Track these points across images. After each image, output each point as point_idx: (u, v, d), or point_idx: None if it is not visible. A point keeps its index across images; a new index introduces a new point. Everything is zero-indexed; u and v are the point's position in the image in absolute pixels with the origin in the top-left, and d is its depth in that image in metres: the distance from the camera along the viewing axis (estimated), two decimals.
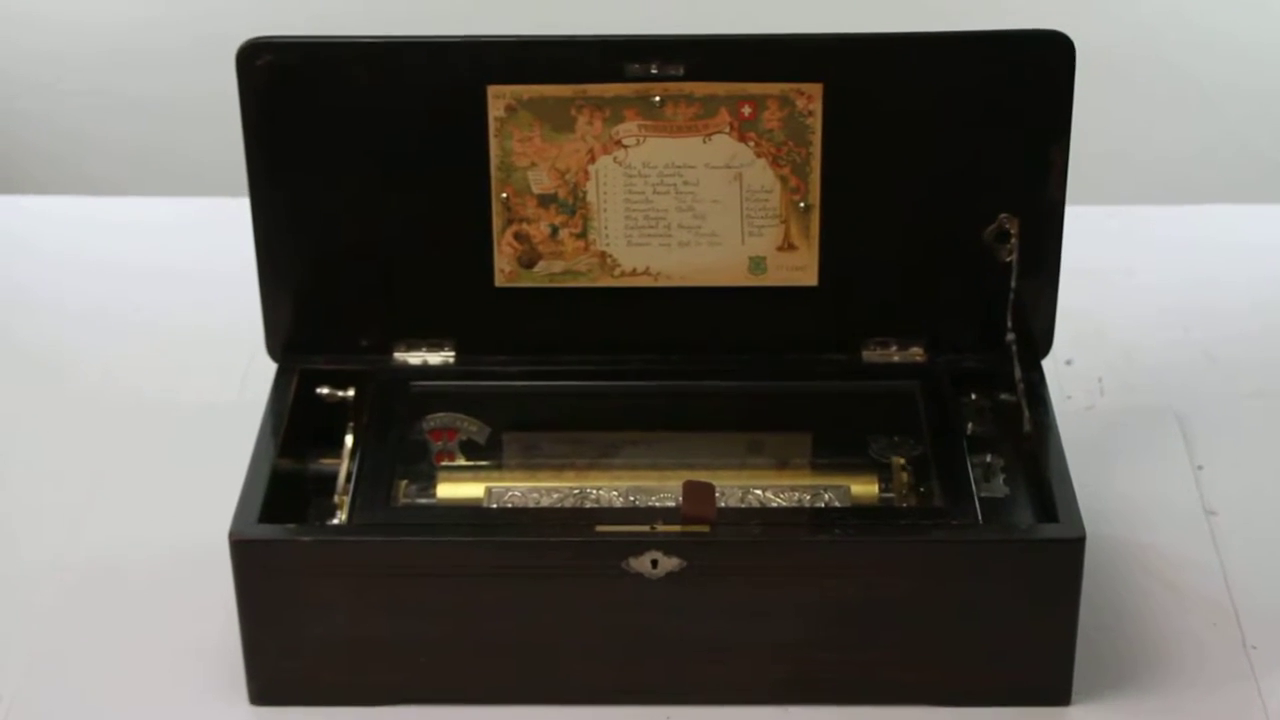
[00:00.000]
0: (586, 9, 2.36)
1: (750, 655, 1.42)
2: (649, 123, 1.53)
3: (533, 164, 1.55)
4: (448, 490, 1.55)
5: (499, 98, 1.52)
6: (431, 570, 1.40)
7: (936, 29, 1.52)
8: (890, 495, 1.54)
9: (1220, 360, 1.84)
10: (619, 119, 1.53)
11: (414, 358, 1.61)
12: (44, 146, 2.66)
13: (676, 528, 1.41)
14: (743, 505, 1.52)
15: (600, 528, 1.42)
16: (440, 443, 1.60)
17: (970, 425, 1.57)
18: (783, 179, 1.55)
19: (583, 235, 1.57)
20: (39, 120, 2.65)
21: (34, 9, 2.58)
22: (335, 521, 1.50)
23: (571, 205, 1.56)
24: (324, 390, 1.59)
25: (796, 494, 1.54)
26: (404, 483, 1.54)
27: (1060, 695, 1.44)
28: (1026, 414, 1.51)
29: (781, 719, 1.44)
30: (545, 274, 1.58)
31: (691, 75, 1.52)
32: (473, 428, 1.61)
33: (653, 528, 1.41)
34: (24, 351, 1.90)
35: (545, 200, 1.56)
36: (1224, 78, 2.56)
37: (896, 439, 1.57)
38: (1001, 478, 1.53)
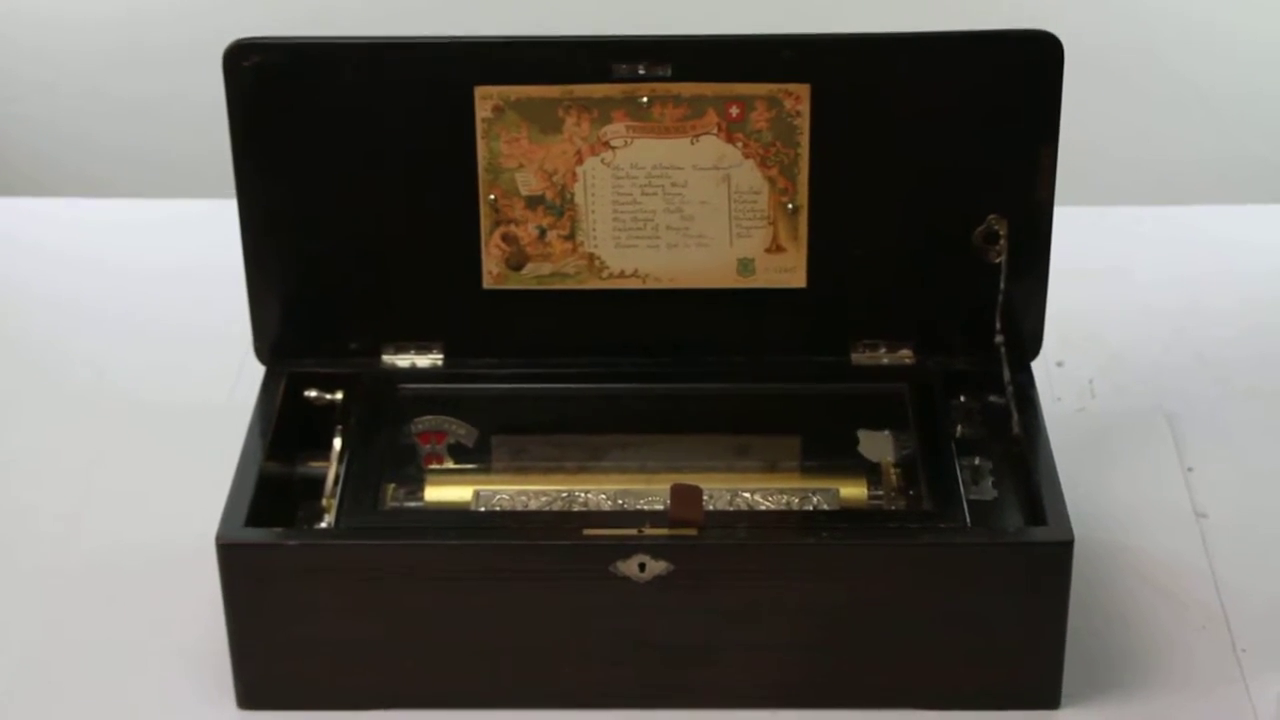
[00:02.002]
0: (574, 9, 2.36)
1: (738, 659, 1.42)
2: (636, 124, 1.53)
3: (520, 165, 1.54)
4: (436, 493, 1.55)
5: (486, 99, 1.52)
6: (419, 574, 1.40)
7: (925, 29, 1.52)
8: (879, 496, 1.53)
9: (1211, 361, 1.84)
10: (606, 120, 1.53)
11: (402, 360, 1.61)
12: (35, 148, 2.66)
13: (664, 531, 1.41)
14: (731, 508, 1.52)
15: (588, 531, 1.42)
16: (428, 446, 1.60)
17: (959, 427, 1.57)
18: (771, 180, 1.55)
19: (571, 237, 1.57)
20: (30, 122, 2.64)
21: (25, 9, 2.58)
22: (323, 525, 1.49)
23: (559, 207, 1.56)
24: (312, 393, 1.59)
25: (785, 497, 1.53)
26: (392, 486, 1.54)
27: (1049, 698, 1.44)
28: (1015, 416, 1.51)
29: None
30: (533, 276, 1.58)
31: (679, 76, 1.51)
32: (461, 430, 1.60)
33: (640, 531, 1.40)
34: (15, 352, 1.89)
35: (533, 202, 1.56)
36: (1215, 77, 2.55)
37: (886, 432, 1.57)
38: (990, 480, 1.52)
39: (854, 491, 1.54)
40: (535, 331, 1.60)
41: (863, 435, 1.58)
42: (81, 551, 1.61)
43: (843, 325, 1.60)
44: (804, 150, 1.54)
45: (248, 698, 1.44)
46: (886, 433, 1.58)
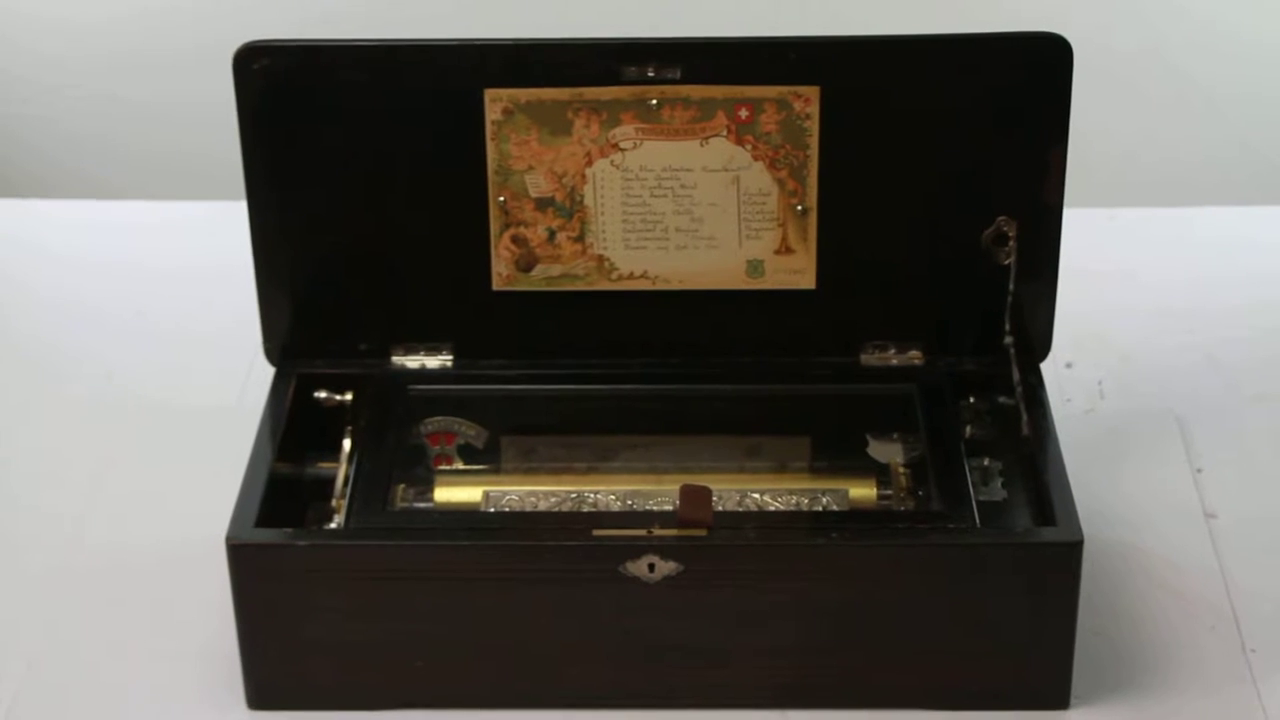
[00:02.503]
0: (583, 12, 2.36)
1: (748, 659, 1.42)
2: (646, 126, 1.53)
3: (530, 167, 1.55)
4: (445, 494, 1.55)
5: (496, 101, 1.52)
6: (429, 574, 1.40)
7: (934, 31, 1.52)
8: (888, 497, 1.53)
9: (1220, 363, 1.84)
10: (616, 122, 1.53)
11: (412, 361, 1.61)
12: (45, 150, 2.66)
13: (674, 531, 1.41)
14: (740, 509, 1.52)
15: (598, 532, 1.42)
16: (438, 446, 1.60)
17: (968, 429, 1.57)
18: (780, 182, 1.55)
19: (580, 239, 1.57)
20: (40, 124, 2.65)
21: (35, 12, 2.58)
22: (332, 526, 1.49)
23: (569, 209, 1.56)
24: (322, 394, 1.59)
25: (794, 497, 1.53)
26: (401, 487, 1.54)
27: (1058, 699, 1.44)
28: (1024, 417, 1.51)
29: None
30: (543, 277, 1.58)
31: (688, 78, 1.52)
32: (470, 431, 1.60)
33: (650, 532, 1.41)
34: (25, 353, 1.90)
35: (543, 204, 1.56)
36: (1224, 79, 2.55)
37: (895, 436, 1.57)
38: (999, 481, 1.52)
39: (863, 492, 1.54)
40: (544, 333, 1.60)
41: (871, 442, 1.58)
42: (91, 552, 1.61)
43: (852, 327, 1.60)
44: (813, 152, 1.54)
45: (258, 698, 1.45)
46: (895, 436, 1.58)
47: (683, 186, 1.55)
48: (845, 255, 1.57)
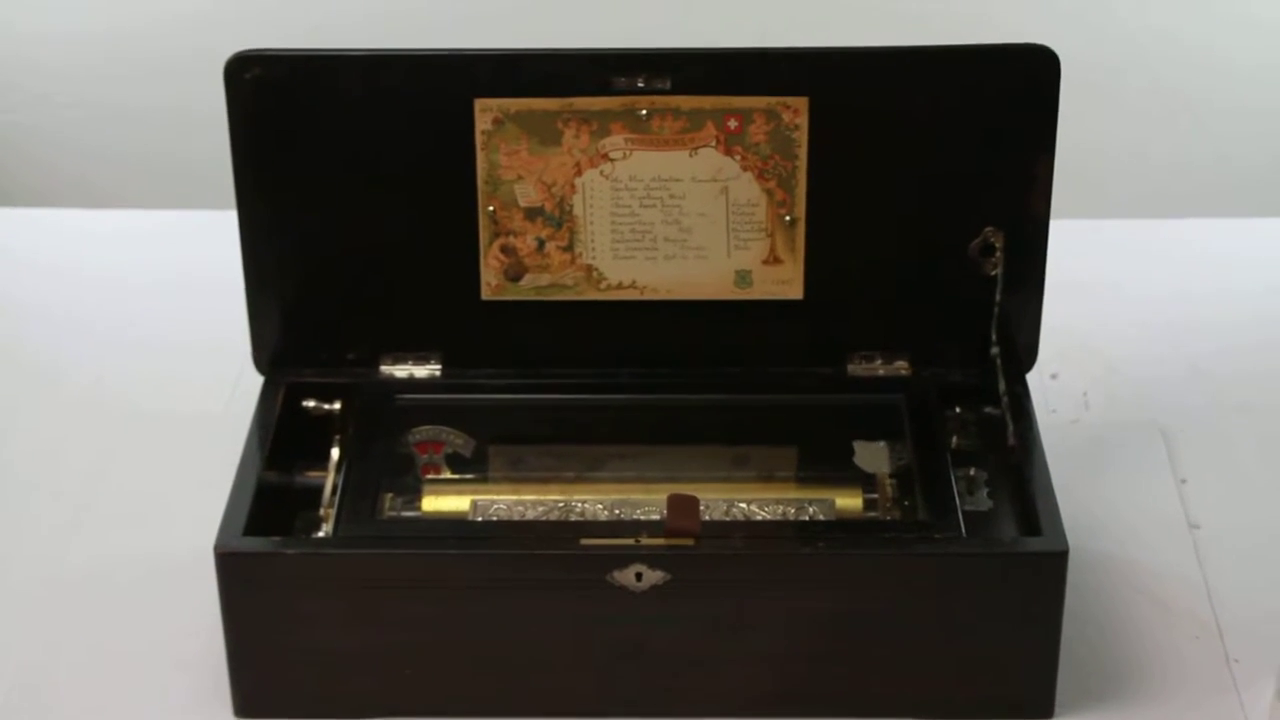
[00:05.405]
0: (573, 22, 2.37)
1: (734, 668, 1.43)
2: (635, 136, 1.54)
3: (519, 177, 1.55)
4: (433, 503, 1.55)
5: (486, 111, 1.53)
6: (417, 583, 1.40)
7: (923, 43, 1.52)
8: (874, 500, 1.54)
9: (1205, 374, 1.85)
10: (605, 132, 1.53)
11: (400, 370, 1.61)
12: (35, 158, 2.66)
13: (661, 541, 1.41)
14: (727, 518, 1.53)
15: (585, 541, 1.42)
16: (426, 455, 1.60)
17: (954, 439, 1.58)
18: (769, 192, 1.56)
19: (569, 248, 1.57)
20: (30, 132, 2.65)
21: (26, 21, 2.58)
22: (321, 534, 1.50)
23: (558, 218, 1.57)
24: (310, 403, 1.59)
25: (781, 507, 1.54)
26: (389, 496, 1.54)
27: (1043, 709, 1.44)
28: (1011, 427, 1.52)
29: None
30: (532, 287, 1.59)
31: (678, 89, 1.52)
32: (458, 440, 1.61)
33: (637, 541, 1.41)
34: (14, 361, 1.90)
35: (532, 213, 1.56)
36: (1210, 91, 2.56)
37: (881, 444, 1.58)
38: (985, 491, 1.53)
39: (850, 502, 1.54)
40: (533, 342, 1.60)
41: (858, 446, 1.59)
42: (80, 561, 1.61)
43: (839, 337, 1.60)
44: (802, 163, 1.54)
45: (245, 707, 1.45)
46: (881, 444, 1.58)
47: (671, 197, 1.56)
48: (833, 265, 1.57)
